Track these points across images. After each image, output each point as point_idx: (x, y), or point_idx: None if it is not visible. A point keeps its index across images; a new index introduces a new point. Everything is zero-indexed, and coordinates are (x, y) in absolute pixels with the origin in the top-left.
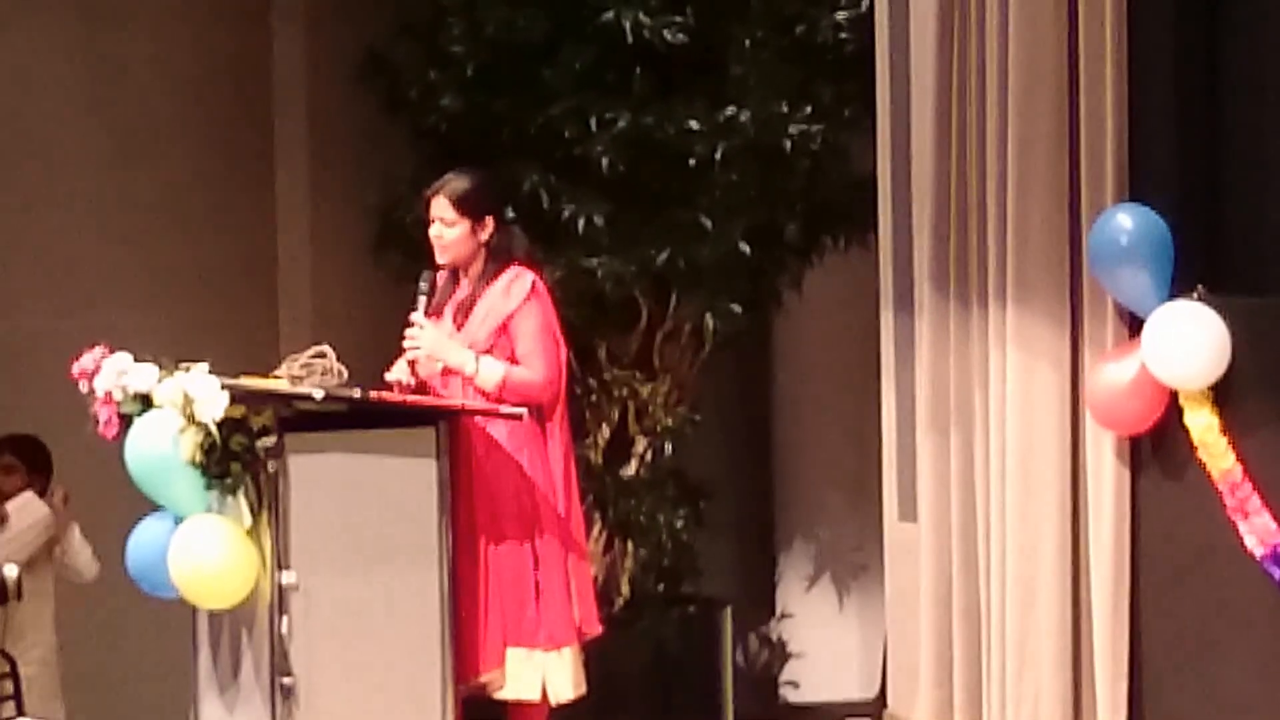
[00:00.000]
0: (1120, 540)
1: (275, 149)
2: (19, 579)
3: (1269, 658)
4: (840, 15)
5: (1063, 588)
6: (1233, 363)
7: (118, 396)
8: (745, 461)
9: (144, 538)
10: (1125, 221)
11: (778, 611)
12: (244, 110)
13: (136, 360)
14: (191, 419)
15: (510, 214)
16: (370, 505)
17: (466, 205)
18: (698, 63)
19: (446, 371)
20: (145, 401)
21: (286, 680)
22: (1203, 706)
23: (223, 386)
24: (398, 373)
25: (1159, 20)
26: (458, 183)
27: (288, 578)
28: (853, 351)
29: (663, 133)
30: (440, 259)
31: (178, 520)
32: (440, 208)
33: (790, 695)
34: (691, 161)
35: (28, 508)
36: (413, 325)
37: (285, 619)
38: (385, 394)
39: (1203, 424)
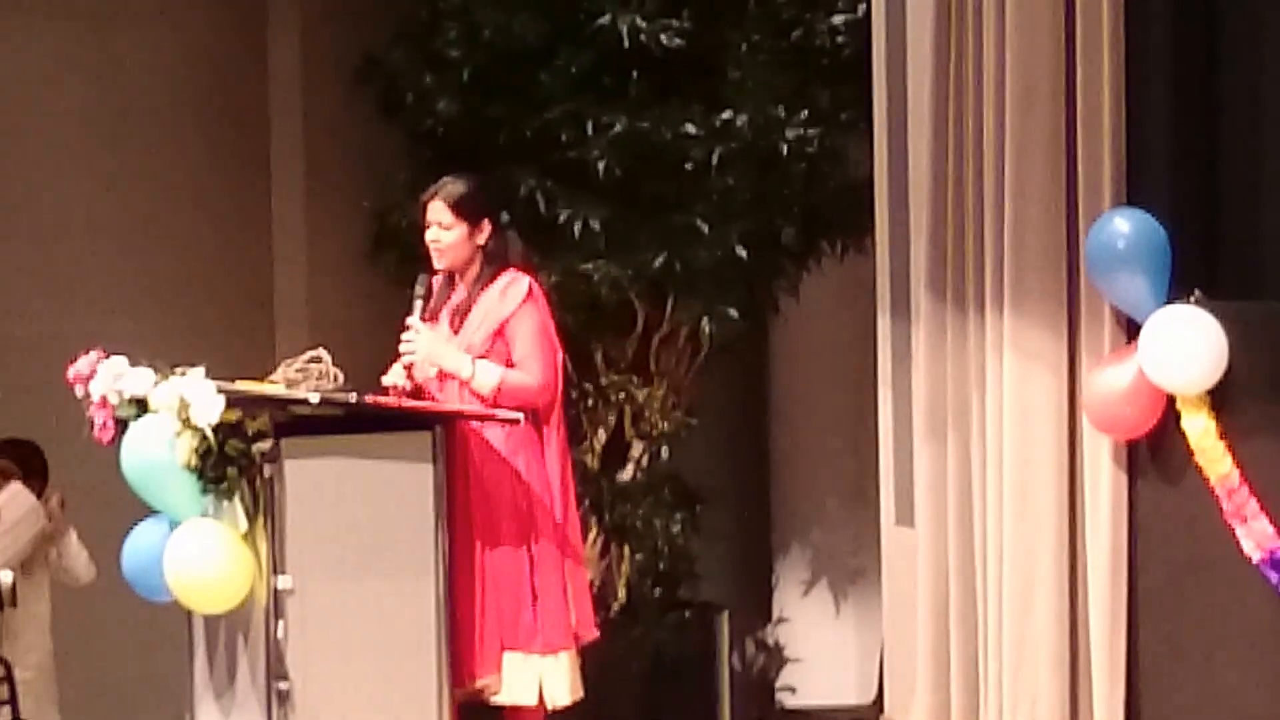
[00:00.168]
0: (1117, 545)
1: (271, 153)
2: (14, 584)
3: (1266, 662)
4: (837, 19)
5: (1060, 592)
6: (1230, 367)
7: (113, 401)
8: (742, 466)
9: (139, 542)
10: (1122, 226)
11: (774, 616)
12: (240, 114)
13: (132, 364)
14: (187, 423)
15: (506, 218)
16: (366, 510)
17: (463, 209)
18: (694, 67)
19: (443, 376)
20: (141, 406)
21: (282, 685)
22: (1200, 711)
23: (218, 391)
24: (394, 377)
25: (1156, 25)
26: (454, 187)
27: (283, 582)
28: (850, 356)
29: (659, 137)
30: (436, 263)
31: (173, 524)
32: (436, 212)
33: (787, 700)
34: (688, 166)
35: (16, 499)
36: (409, 329)
37: (281, 623)
38: (381, 398)
39: (1200, 428)
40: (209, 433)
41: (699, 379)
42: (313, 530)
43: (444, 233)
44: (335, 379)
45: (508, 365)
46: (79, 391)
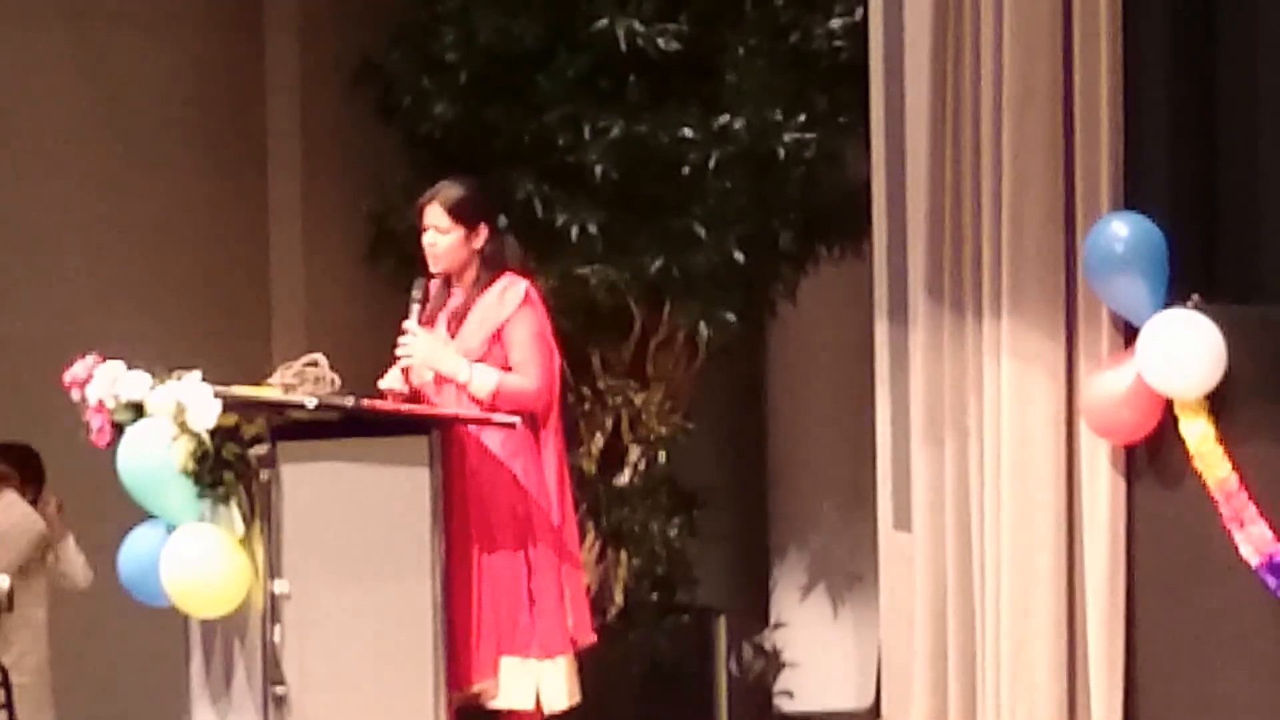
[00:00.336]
0: (1115, 549)
1: (268, 156)
2: (10, 590)
3: (1265, 666)
4: (834, 23)
5: (1058, 596)
6: (1228, 371)
7: (110, 405)
8: (739, 470)
9: (136, 546)
10: (1120, 230)
11: (772, 620)
12: (237, 117)
13: (129, 368)
14: (184, 427)
15: (504, 222)
16: (363, 514)
17: (460, 213)
18: (692, 70)
19: (440, 379)
20: (138, 410)
21: (279, 689)
22: (1198, 715)
23: (215, 395)
24: (391, 381)
25: (1154, 29)
26: (451, 190)
27: (280, 586)
28: (847, 360)
29: (656, 141)
30: (433, 267)
31: (170, 529)
32: (434, 215)
33: (785, 704)
34: (685, 169)
35: (11, 506)
36: (406, 333)
37: (278, 628)
38: (378, 402)
39: (1198, 433)
40: (206, 437)
41: (696, 383)
42: (309, 535)
43: (441, 236)
44: (332, 383)
45: (505, 369)
46: (75, 395)
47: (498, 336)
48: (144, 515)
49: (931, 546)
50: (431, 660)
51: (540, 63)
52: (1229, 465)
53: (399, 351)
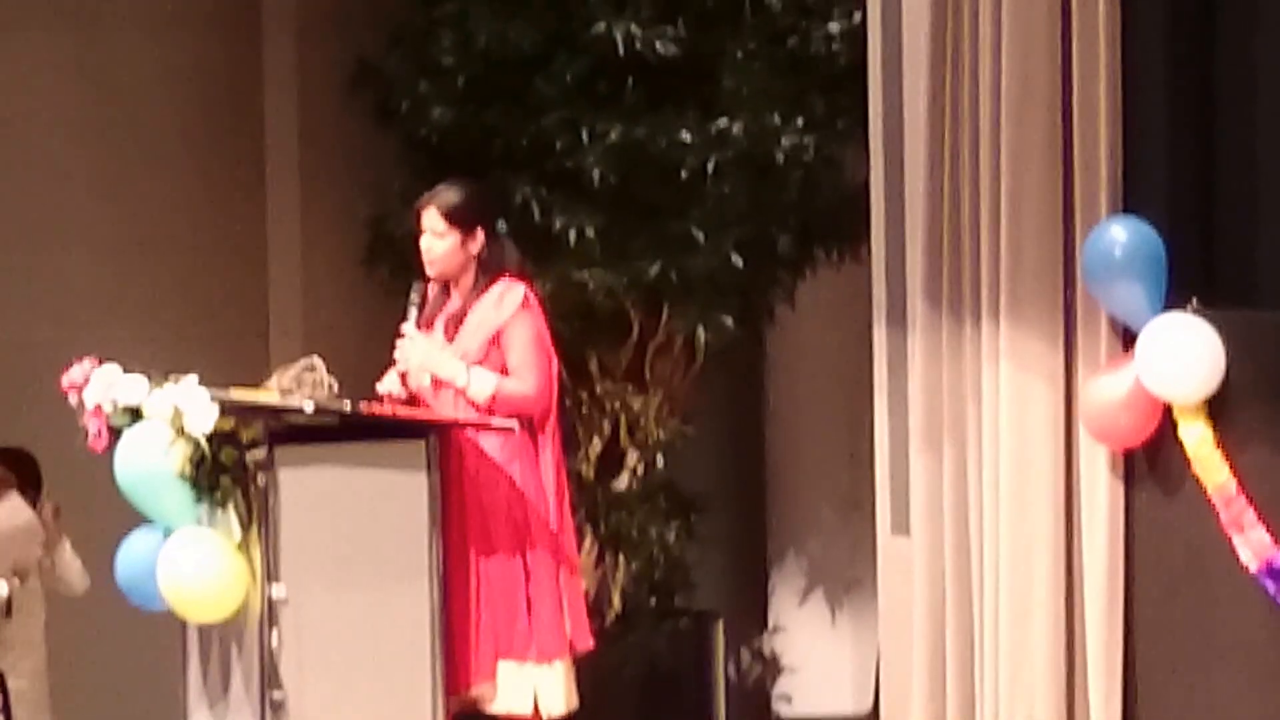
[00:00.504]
0: (1114, 554)
1: (266, 159)
2: (9, 597)
3: (1264, 672)
4: (833, 27)
5: (1057, 602)
6: (1227, 376)
7: (107, 409)
8: (737, 475)
9: (133, 551)
10: (1119, 234)
11: (770, 625)
12: (234, 121)
13: (126, 372)
14: (181, 432)
15: (501, 226)
16: (361, 518)
17: (457, 217)
18: (690, 74)
19: (437, 384)
20: (135, 414)
21: (277, 694)
22: None
23: (212, 399)
24: (388, 385)
25: (1153, 33)
26: (449, 194)
27: (278, 591)
28: (845, 365)
29: (655, 145)
30: (431, 271)
31: (167, 533)
32: (431, 219)
33: (783, 709)
34: (683, 174)
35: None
36: (403, 337)
37: (275, 632)
38: (376, 406)
39: (1197, 437)
40: (203, 441)
41: (694, 387)
42: (307, 539)
43: (438, 241)
44: (329, 387)
45: (503, 373)
46: (72, 399)
47: (495, 340)
48: (141, 519)
49: (930, 551)
50: (429, 665)
51: (538, 66)
52: (1228, 470)
53: (397, 355)
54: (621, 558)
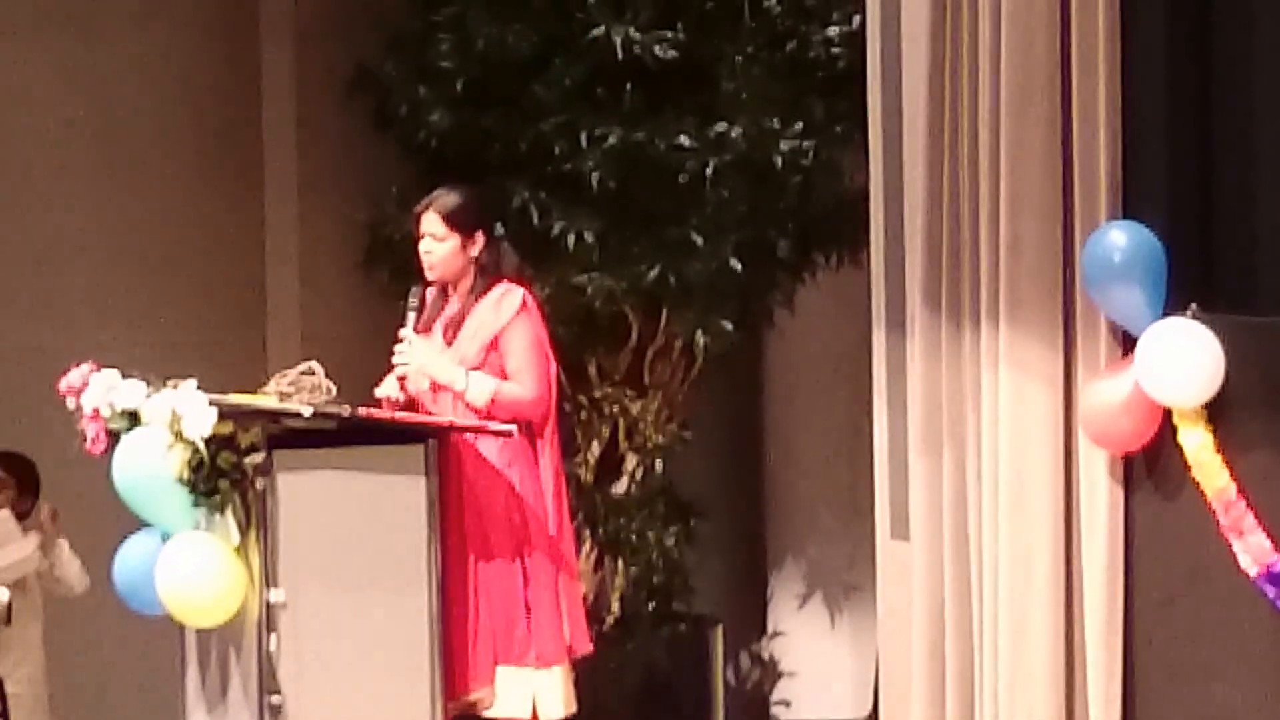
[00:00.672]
0: (1114, 559)
1: (264, 164)
2: (9, 604)
3: (1263, 677)
4: (832, 31)
5: (1056, 607)
6: (1226, 381)
7: (105, 413)
8: (736, 479)
9: (131, 555)
10: (1119, 239)
11: (769, 630)
12: (232, 125)
13: (124, 376)
14: (179, 436)
15: (500, 230)
16: (359, 523)
17: (456, 221)
18: (689, 78)
19: (436, 388)
20: (133, 418)
21: (275, 699)
22: None
23: (211, 403)
24: (387, 389)
25: (1152, 37)
26: (447, 198)
27: (276, 595)
28: (844, 369)
29: (653, 149)
30: (429, 275)
31: (165, 537)
32: (430, 223)
33: (782, 714)
34: (682, 178)
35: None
36: (402, 341)
37: (273, 637)
38: (374, 411)
39: (1196, 442)
40: (201, 445)
41: (693, 392)
42: (305, 543)
43: (437, 244)
44: (328, 391)
45: (501, 377)
46: (71, 404)
47: (494, 344)
48: (139, 524)
49: (929, 556)
50: (428, 669)
51: (537, 71)
52: (1227, 475)
53: (395, 360)
54: (620, 562)
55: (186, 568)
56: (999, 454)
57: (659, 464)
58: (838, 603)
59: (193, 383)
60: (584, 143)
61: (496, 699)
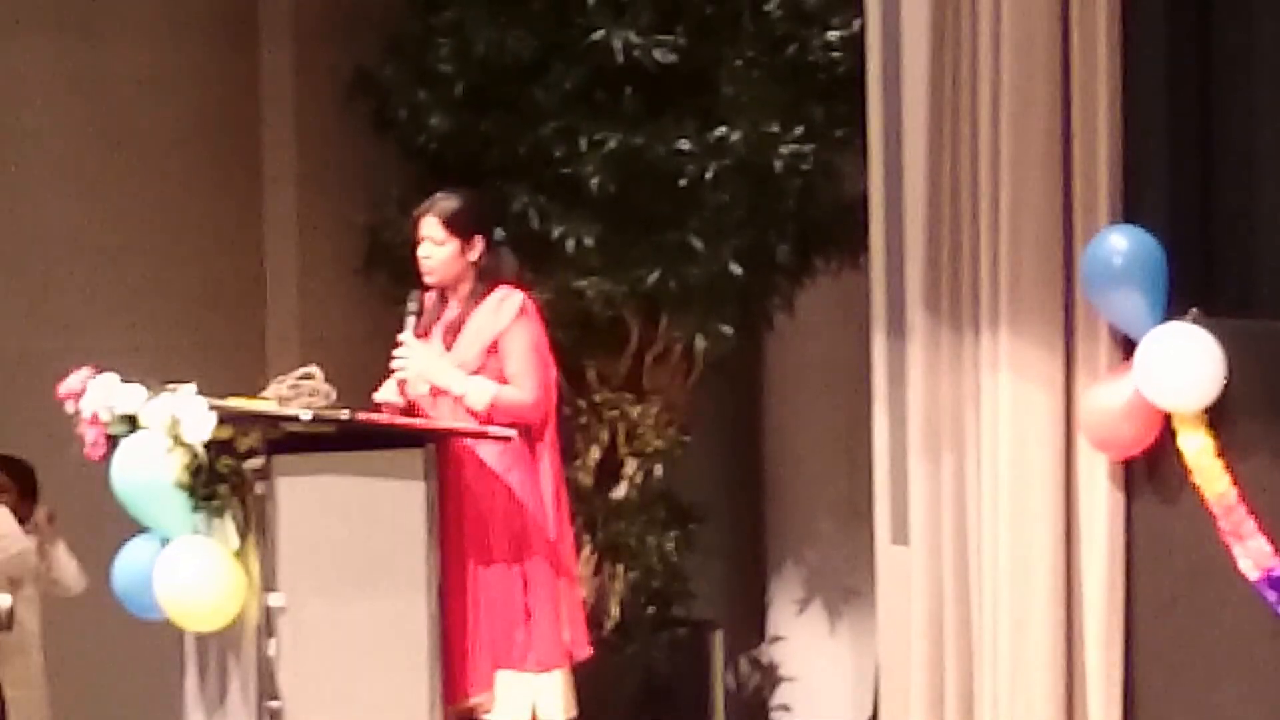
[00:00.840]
0: (1114, 564)
1: (263, 168)
2: (10, 609)
3: (1264, 681)
4: (832, 35)
5: (1056, 611)
6: (1227, 385)
7: (104, 417)
8: (736, 484)
9: (130, 559)
10: (1119, 243)
11: (769, 635)
12: (232, 129)
13: (123, 381)
14: (178, 440)
15: (499, 234)
16: (358, 527)
17: (455, 225)
18: (688, 83)
19: (435, 392)
20: (132, 422)
21: (274, 703)
22: None
23: (210, 407)
24: (386, 393)
25: (1153, 42)
26: (447, 202)
27: (275, 600)
28: (844, 373)
29: (653, 153)
30: (429, 279)
31: (164, 542)
32: (429, 227)
33: (781, 719)
34: (682, 182)
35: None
36: (401, 345)
37: (273, 641)
38: (373, 415)
39: (1197, 447)
40: (200, 450)
41: (693, 396)
42: (304, 548)
43: (436, 249)
44: (327, 396)
45: (501, 382)
46: (70, 408)
47: (493, 349)
48: (138, 528)
49: (929, 561)
50: (427, 674)
51: (536, 75)
52: (1228, 479)
53: (394, 364)
54: (620, 567)
55: (185, 572)
56: (999, 458)
57: (658, 468)
58: (837, 607)
59: (192, 387)
60: (583, 147)
61: (496, 704)
